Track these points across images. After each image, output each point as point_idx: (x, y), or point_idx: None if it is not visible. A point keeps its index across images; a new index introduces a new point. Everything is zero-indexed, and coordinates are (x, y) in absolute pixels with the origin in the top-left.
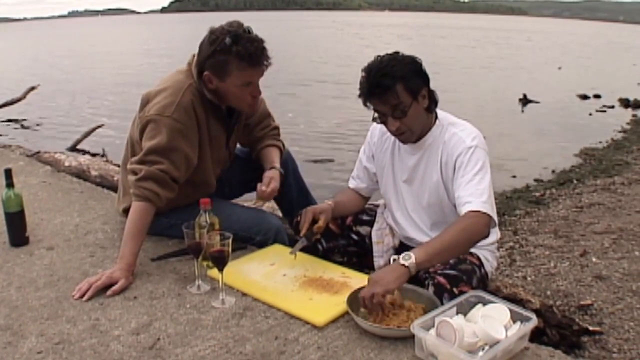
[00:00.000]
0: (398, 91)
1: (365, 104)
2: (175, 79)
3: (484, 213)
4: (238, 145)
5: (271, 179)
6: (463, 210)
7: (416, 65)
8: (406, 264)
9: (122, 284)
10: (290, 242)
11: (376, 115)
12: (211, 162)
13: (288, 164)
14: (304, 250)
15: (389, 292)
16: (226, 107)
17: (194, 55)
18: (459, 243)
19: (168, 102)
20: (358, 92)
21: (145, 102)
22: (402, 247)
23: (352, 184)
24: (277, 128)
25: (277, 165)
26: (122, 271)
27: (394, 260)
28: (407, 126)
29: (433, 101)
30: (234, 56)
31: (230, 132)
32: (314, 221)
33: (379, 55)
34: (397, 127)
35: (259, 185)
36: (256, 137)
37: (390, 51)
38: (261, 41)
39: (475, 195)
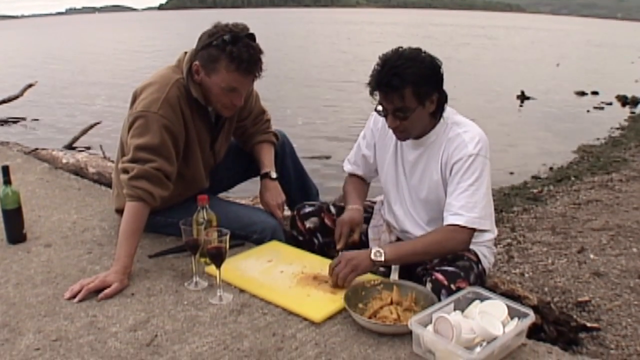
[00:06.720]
0: (405, 95)
1: (371, 94)
2: (162, 74)
3: (469, 229)
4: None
5: (275, 202)
6: (450, 219)
7: (433, 70)
8: (376, 260)
9: (115, 288)
10: (287, 240)
11: (379, 107)
12: (201, 159)
13: (285, 147)
14: (300, 246)
15: (356, 276)
16: (214, 113)
17: (185, 53)
18: (429, 253)
19: (154, 97)
20: (368, 80)
21: (134, 98)
22: None
23: (347, 167)
24: (268, 120)
25: (272, 170)
26: (117, 274)
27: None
28: (405, 127)
29: (440, 106)
30: (226, 55)
31: (215, 135)
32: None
33: (400, 47)
34: (396, 126)
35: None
36: (249, 133)
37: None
38: (259, 51)
39: (466, 208)
